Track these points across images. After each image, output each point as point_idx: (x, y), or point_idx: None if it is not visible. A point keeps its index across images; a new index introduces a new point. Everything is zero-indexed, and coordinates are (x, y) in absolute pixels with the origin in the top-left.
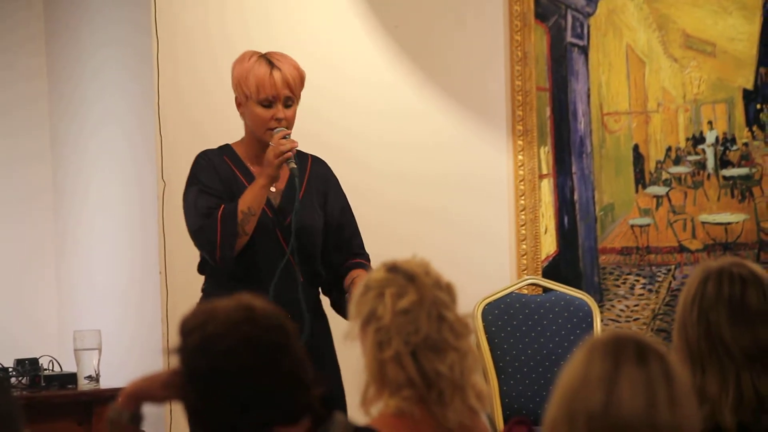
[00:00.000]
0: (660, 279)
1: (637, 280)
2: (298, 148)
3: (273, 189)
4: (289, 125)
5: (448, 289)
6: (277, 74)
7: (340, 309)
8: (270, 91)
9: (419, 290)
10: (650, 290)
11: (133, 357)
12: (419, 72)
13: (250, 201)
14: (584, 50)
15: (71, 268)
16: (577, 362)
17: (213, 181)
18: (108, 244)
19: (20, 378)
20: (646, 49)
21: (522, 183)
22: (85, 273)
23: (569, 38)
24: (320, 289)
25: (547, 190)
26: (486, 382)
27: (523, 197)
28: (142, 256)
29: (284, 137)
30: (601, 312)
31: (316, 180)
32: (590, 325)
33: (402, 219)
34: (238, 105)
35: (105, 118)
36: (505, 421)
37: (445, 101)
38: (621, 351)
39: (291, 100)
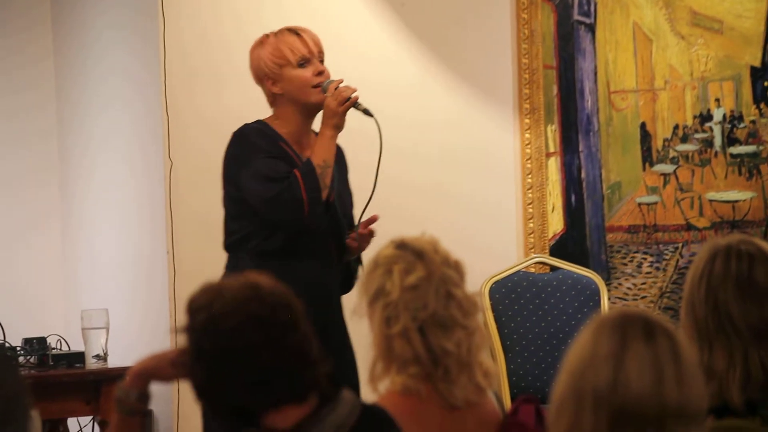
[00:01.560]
0: (667, 257)
1: (645, 258)
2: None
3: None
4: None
5: (457, 267)
6: (305, 35)
7: (348, 285)
8: (304, 49)
9: (428, 266)
10: (657, 268)
11: (140, 336)
12: (426, 50)
13: (323, 154)
14: (591, 28)
15: (78, 248)
16: (584, 340)
17: (273, 146)
18: (115, 223)
19: (28, 357)
20: (653, 27)
21: (529, 161)
22: (92, 252)
23: (576, 16)
24: None
25: (554, 168)
26: (493, 361)
27: (530, 175)
28: (149, 235)
29: (338, 86)
30: (609, 290)
31: (341, 164)
32: (597, 304)
33: (409, 197)
34: (272, 84)
35: (111, 97)
36: (513, 399)
37: (451, 79)
38: (628, 329)
39: (322, 56)
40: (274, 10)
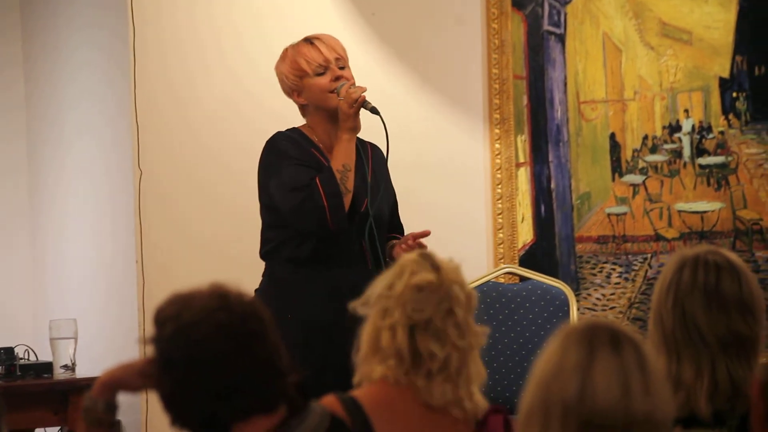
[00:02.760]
0: (636, 267)
1: (614, 269)
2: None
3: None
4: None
5: (469, 294)
6: (319, 43)
7: None
8: (319, 57)
9: (439, 278)
10: (626, 279)
11: (109, 346)
12: (396, 60)
13: (342, 158)
14: (561, 38)
15: (47, 257)
16: (552, 350)
17: (304, 154)
18: (84, 233)
19: None
20: (623, 37)
21: (499, 171)
22: (60, 262)
23: (546, 26)
24: None
25: (524, 178)
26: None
27: (500, 186)
28: (119, 245)
29: (350, 87)
30: (578, 301)
31: (378, 166)
32: (567, 314)
33: None
34: (297, 95)
35: (81, 107)
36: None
37: (422, 89)
38: (596, 339)
39: (342, 62)
40: (247, 17)
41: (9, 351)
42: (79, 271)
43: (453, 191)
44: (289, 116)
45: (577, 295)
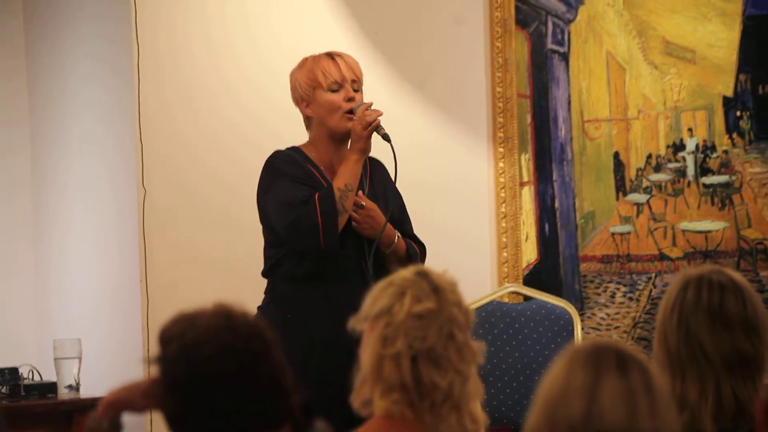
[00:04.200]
0: (640, 287)
1: (618, 288)
2: None
3: None
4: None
5: (466, 313)
6: (340, 60)
7: None
8: (336, 74)
9: (439, 302)
10: (631, 298)
11: (113, 366)
12: (399, 78)
13: (346, 177)
14: (565, 57)
15: (50, 277)
16: (557, 372)
17: (300, 172)
18: (88, 252)
19: (0, 387)
20: (627, 56)
21: (503, 190)
22: (64, 281)
23: (550, 45)
24: None
25: (527, 197)
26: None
27: (503, 204)
28: (123, 265)
29: (367, 109)
30: (582, 320)
31: (378, 181)
32: (571, 334)
33: None
34: (305, 106)
35: (85, 125)
36: (487, 429)
37: (425, 107)
38: (602, 361)
39: (357, 85)
40: (244, 38)
41: (13, 371)
42: (83, 290)
43: (457, 210)
44: (292, 135)
45: (581, 315)
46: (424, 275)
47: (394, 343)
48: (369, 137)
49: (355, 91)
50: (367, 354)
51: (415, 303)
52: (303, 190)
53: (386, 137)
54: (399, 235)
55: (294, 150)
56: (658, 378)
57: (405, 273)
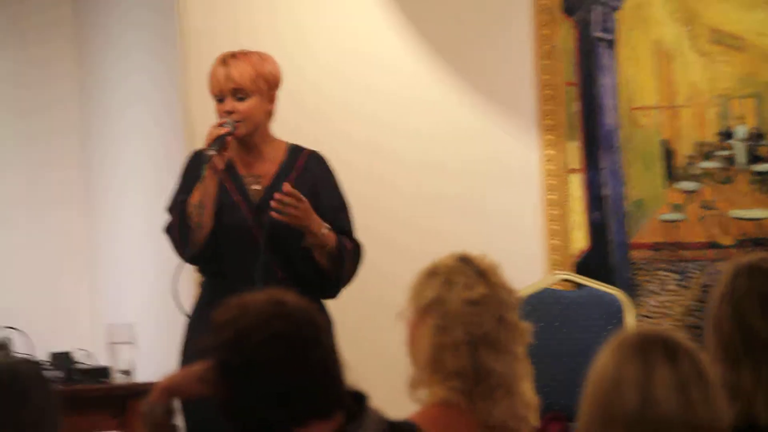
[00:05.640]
0: (692, 275)
1: (669, 276)
2: (296, 144)
3: (257, 186)
4: (244, 117)
5: (512, 293)
6: (221, 70)
7: (322, 287)
8: (215, 86)
9: (489, 286)
10: (682, 286)
11: (166, 351)
12: (447, 66)
13: (199, 194)
14: (611, 44)
15: (104, 262)
16: (605, 364)
17: (190, 179)
18: (141, 237)
19: (55, 371)
20: (674, 44)
21: (551, 177)
22: (118, 266)
23: (596, 32)
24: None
25: (576, 185)
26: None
27: (552, 192)
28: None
29: (220, 125)
30: (634, 308)
31: (304, 177)
32: (622, 321)
33: (433, 212)
34: None
35: (133, 113)
36: (540, 416)
37: (473, 95)
38: (650, 351)
39: (241, 93)
40: (292, 31)
41: (68, 355)
42: (136, 275)
43: (506, 197)
44: (341, 129)
45: (632, 303)
46: (467, 261)
47: (452, 331)
48: (211, 155)
49: (240, 99)
50: (421, 344)
51: (467, 290)
52: (177, 200)
53: (206, 158)
54: (326, 227)
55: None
56: (707, 363)
57: (446, 260)
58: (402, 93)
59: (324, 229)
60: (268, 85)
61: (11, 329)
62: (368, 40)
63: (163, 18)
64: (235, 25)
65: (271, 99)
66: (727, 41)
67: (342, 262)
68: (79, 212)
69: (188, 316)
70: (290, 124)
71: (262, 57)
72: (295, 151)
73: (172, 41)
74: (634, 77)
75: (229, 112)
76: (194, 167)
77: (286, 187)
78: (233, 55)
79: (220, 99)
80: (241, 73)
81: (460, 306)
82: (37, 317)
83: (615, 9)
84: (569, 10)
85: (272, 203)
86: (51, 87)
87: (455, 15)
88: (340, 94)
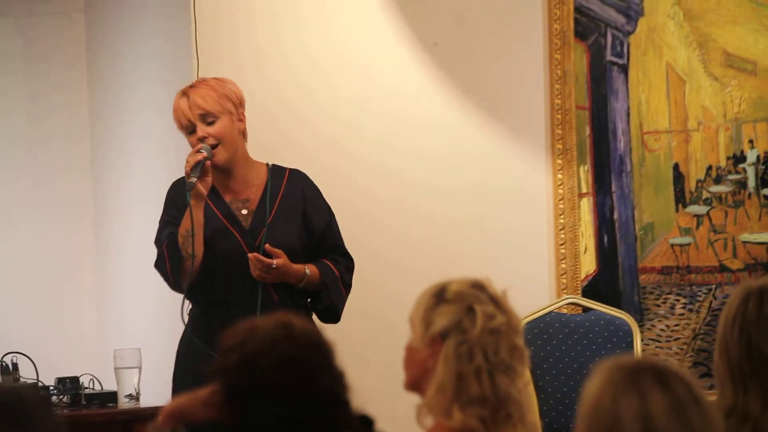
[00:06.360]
0: (701, 299)
1: (678, 300)
2: (276, 164)
3: (245, 211)
4: (218, 139)
5: (518, 319)
6: (183, 101)
7: (321, 315)
8: (183, 118)
9: (506, 314)
10: (691, 310)
11: (172, 376)
12: (458, 90)
13: (186, 223)
14: (624, 69)
15: (111, 287)
16: (599, 398)
17: (176, 209)
18: (147, 262)
19: (61, 396)
20: (687, 68)
21: (561, 202)
22: (125, 291)
23: (609, 57)
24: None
25: (586, 209)
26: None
27: (562, 216)
28: None
29: (198, 152)
30: (642, 332)
31: (291, 197)
32: (630, 345)
33: (443, 235)
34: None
35: (147, 120)
36: None
37: (484, 119)
38: (642, 381)
39: (209, 116)
40: (295, 45)
41: (74, 380)
42: (143, 300)
43: (515, 221)
44: (343, 140)
45: (640, 326)
46: (481, 288)
47: (473, 359)
48: (197, 182)
49: (210, 123)
50: (440, 370)
51: (489, 320)
52: (166, 233)
53: (190, 185)
54: (308, 268)
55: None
56: (698, 385)
57: (458, 286)
58: (413, 116)
59: (306, 272)
60: (232, 104)
61: (17, 354)
62: (380, 63)
63: (177, 25)
64: (249, 30)
65: (240, 117)
66: (739, 65)
67: (329, 293)
68: (88, 236)
69: (181, 344)
70: (300, 147)
71: (221, 79)
72: (277, 171)
73: (185, 48)
74: (646, 101)
75: (203, 138)
76: (176, 197)
77: (268, 250)
78: (191, 86)
79: (191, 131)
80: (203, 96)
81: (481, 334)
82: (43, 342)
83: (628, 33)
84: (582, 34)
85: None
86: (62, 92)
87: (467, 38)
88: (351, 118)
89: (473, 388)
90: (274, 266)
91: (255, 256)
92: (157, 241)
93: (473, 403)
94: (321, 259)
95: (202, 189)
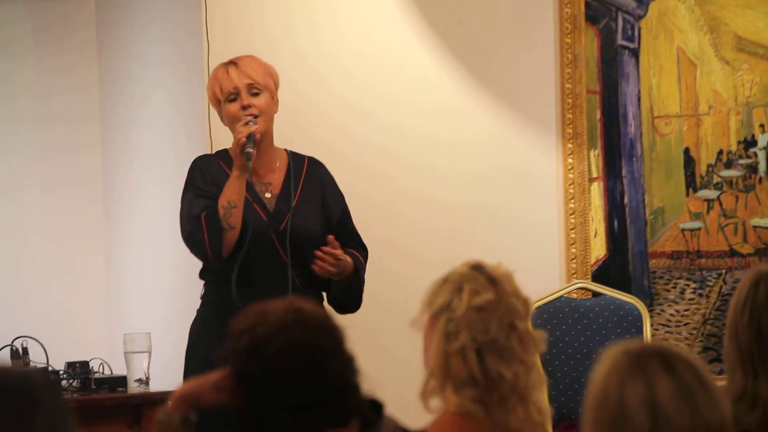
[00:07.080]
0: (711, 283)
1: (688, 285)
2: (294, 150)
3: (268, 195)
4: (261, 112)
5: (525, 302)
6: (232, 68)
7: (335, 304)
8: (228, 84)
9: (498, 293)
10: (701, 294)
11: (182, 360)
12: (469, 75)
13: (228, 194)
14: (635, 53)
15: (122, 271)
16: (606, 386)
17: (207, 183)
18: (159, 246)
19: (71, 381)
20: (698, 52)
21: (572, 186)
22: (134, 275)
23: (620, 41)
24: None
25: (596, 193)
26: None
27: (572, 200)
28: (193, 258)
29: (246, 124)
30: (651, 317)
31: (313, 183)
32: (640, 330)
33: (453, 220)
34: (220, 118)
35: (155, 116)
36: (555, 425)
37: (494, 103)
38: (647, 367)
39: (256, 88)
40: (308, 33)
41: (84, 365)
42: (153, 284)
43: (525, 205)
44: (356, 130)
45: (650, 311)
46: (479, 268)
47: (457, 337)
48: (242, 155)
49: (255, 94)
50: (432, 351)
51: (474, 296)
52: (200, 205)
53: (248, 156)
54: (349, 260)
55: (219, 154)
56: (705, 368)
57: (460, 268)
58: (424, 100)
59: (349, 263)
60: (274, 83)
61: (27, 338)
62: (391, 48)
63: (188, 9)
64: (260, 15)
65: (276, 100)
66: (750, 49)
67: (359, 285)
68: (97, 221)
69: (194, 326)
70: (312, 133)
71: (260, 60)
72: (297, 157)
73: (195, 32)
74: (657, 85)
75: (246, 107)
76: (207, 171)
77: (332, 242)
78: (237, 58)
79: (233, 98)
80: (254, 68)
81: (466, 312)
82: (52, 326)
83: (639, 17)
84: (592, 18)
85: (315, 264)
86: (73, 74)
87: (478, 23)
88: (361, 102)
89: (460, 368)
90: (340, 258)
91: (327, 249)
92: (187, 215)
93: (464, 384)
94: (349, 250)
95: (245, 165)
